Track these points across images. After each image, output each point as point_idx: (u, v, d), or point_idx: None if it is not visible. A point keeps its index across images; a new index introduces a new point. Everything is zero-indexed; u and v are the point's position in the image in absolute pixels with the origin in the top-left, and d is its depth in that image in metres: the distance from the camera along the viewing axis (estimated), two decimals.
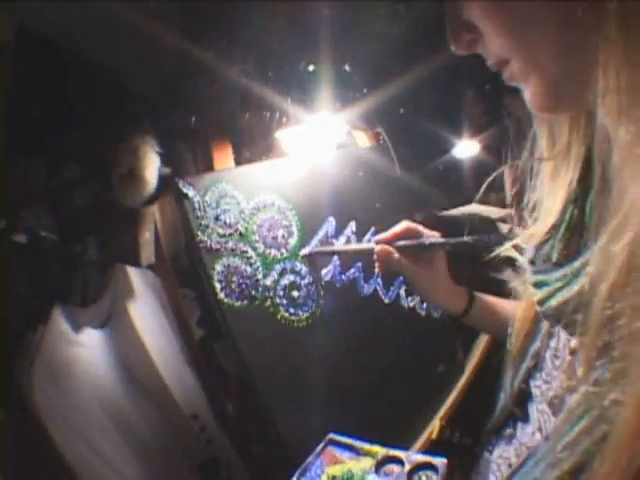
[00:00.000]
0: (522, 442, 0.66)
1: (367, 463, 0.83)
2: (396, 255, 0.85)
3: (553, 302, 0.53)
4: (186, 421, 0.96)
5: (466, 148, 1.80)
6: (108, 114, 1.06)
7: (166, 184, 1.03)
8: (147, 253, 1.08)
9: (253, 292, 0.98)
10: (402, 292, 1.22)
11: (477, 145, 1.76)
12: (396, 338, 1.21)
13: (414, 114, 1.38)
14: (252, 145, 1.13)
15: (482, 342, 1.46)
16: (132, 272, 1.00)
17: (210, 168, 1.07)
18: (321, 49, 1.10)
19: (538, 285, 0.57)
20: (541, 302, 0.56)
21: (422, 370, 1.25)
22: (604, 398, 0.40)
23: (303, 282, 1.04)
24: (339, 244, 1.09)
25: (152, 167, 1.02)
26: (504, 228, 1.46)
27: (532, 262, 0.60)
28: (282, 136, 1.15)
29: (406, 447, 1.06)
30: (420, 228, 0.88)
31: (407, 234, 0.87)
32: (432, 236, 0.88)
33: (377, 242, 0.89)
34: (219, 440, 0.99)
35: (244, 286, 0.97)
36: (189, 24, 1.05)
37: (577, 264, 0.49)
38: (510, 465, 0.67)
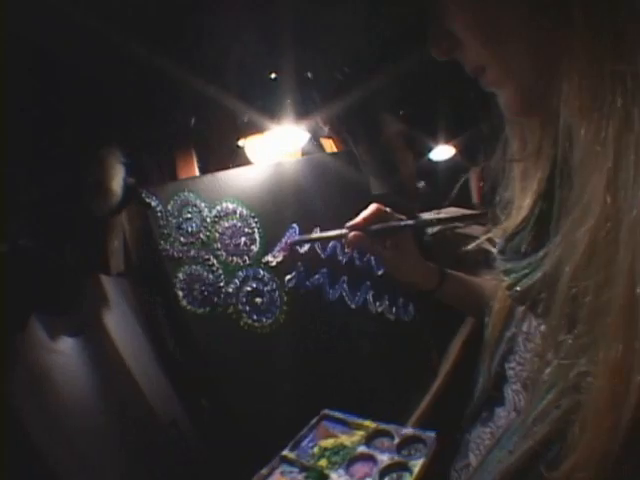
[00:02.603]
0: (498, 425, 0.69)
1: (358, 437, 0.87)
2: (367, 240, 0.89)
3: (519, 287, 0.58)
4: (164, 428, 0.96)
5: (442, 152, 1.82)
6: (77, 123, 1.06)
7: (132, 194, 1.03)
8: (116, 261, 1.08)
9: (215, 299, 0.98)
10: (370, 297, 1.21)
11: (452, 149, 1.77)
12: (366, 343, 1.21)
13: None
14: (216, 154, 1.13)
15: (456, 345, 1.46)
16: (106, 281, 1.00)
17: (174, 177, 1.08)
18: (286, 57, 1.10)
19: (507, 272, 0.62)
20: (509, 287, 0.61)
21: (394, 374, 1.25)
22: (571, 370, 0.44)
23: (266, 289, 1.04)
24: (304, 249, 1.09)
25: (118, 178, 1.02)
26: (479, 230, 1.46)
27: (502, 252, 0.65)
28: (246, 144, 1.15)
29: None
30: (388, 210, 0.92)
31: (377, 217, 0.90)
32: (401, 218, 0.91)
33: (349, 228, 0.91)
34: (198, 446, 1.00)
35: (206, 293, 0.97)
36: (154, 33, 1.05)
37: (541, 253, 0.53)
38: (485, 446, 0.70)
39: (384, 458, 0.81)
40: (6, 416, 0.80)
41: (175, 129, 1.10)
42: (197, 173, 1.10)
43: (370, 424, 0.89)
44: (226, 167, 1.08)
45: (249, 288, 1.03)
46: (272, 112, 1.09)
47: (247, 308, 1.01)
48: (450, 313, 1.35)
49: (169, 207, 0.99)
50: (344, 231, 0.92)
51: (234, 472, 0.98)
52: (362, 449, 0.84)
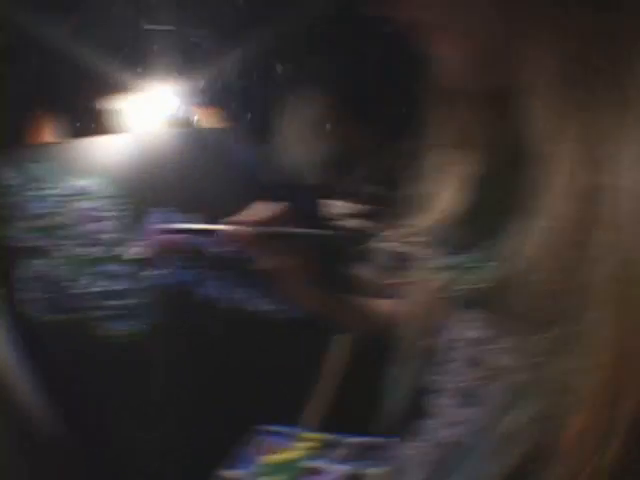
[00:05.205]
0: (428, 438, 0.64)
1: (303, 450, 0.89)
2: (256, 243, 0.74)
3: (465, 285, 0.53)
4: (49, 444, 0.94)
5: None
6: None
7: None
8: None
9: (65, 303, 0.90)
10: (249, 293, 1.14)
11: None
12: (247, 343, 1.14)
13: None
14: (78, 118, 1.01)
15: (348, 341, 1.46)
16: None
17: (21, 143, 0.96)
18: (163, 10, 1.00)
19: (443, 270, 0.57)
20: (445, 287, 0.56)
21: (282, 377, 1.18)
22: (550, 371, 0.41)
23: (125, 288, 0.95)
24: (171, 240, 0.97)
25: None
26: (353, 223, 1.43)
27: (430, 248, 0.60)
28: (115, 108, 1.03)
29: None
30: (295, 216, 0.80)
31: (281, 220, 0.75)
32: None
33: (239, 223, 0.75)
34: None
35: (53, 296, 0.89)
36: None
37: (491, 245, 0.49)
38: (422, 462, 0.65)
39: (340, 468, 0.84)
40: None
41: (29, 87, 0.97)
42: (52, 139, 0.99)
43: (314, 436, 0.91)
44: (87, 134, 0.98)
45: (99, 288, 0.93)
46: (145, 74, 0.97)
47: (103, 314, 0.93)
48: None
49: (11, 181, 0.88)
50: (230, 227, 0.75)
51: None
52: (309, 463, 0.86)
